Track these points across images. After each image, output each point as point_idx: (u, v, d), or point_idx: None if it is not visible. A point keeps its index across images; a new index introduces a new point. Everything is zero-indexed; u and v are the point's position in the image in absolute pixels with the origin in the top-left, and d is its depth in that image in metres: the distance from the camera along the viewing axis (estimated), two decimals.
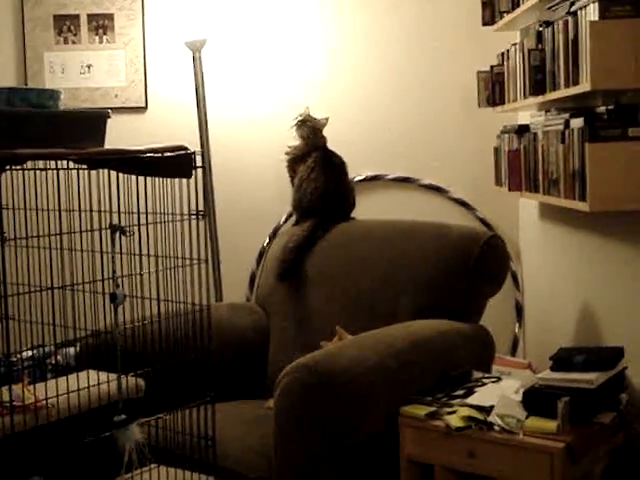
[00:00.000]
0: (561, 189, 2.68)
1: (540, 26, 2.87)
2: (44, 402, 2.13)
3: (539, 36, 2.85)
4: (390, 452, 2.52)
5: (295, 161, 3.47)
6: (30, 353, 2.93)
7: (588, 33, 2.35)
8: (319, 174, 3.34)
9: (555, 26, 2.66)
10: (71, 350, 2.98)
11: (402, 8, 3.86)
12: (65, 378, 2.27)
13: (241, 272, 3.93)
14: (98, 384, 2.20)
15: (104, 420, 2.18)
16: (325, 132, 3.54)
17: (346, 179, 3.42)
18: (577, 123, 2.57)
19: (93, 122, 2.25)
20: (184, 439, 2.29)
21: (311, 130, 3.46)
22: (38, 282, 2.09)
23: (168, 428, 2.30)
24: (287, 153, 3.51)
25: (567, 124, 2.67)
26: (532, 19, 3.10)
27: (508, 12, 3.23)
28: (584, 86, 2.42)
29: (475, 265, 2.93)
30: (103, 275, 2.16)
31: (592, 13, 2.39)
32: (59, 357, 3.06)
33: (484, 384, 2.61)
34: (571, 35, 2.51)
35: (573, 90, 2.51)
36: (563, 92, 2.61)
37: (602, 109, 2.56)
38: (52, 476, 2.12)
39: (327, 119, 3.49)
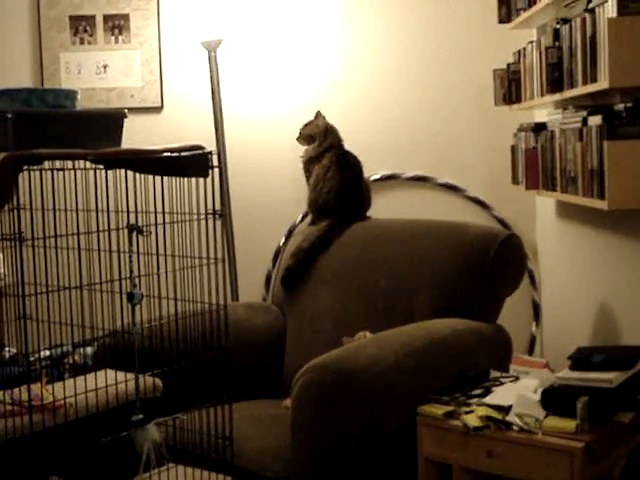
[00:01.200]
0: (579, 187, 2.66)
1: (557, 23, 2.85)
2: (62, 401, 2.14)
3: (556, 33, 2.83)
4: (408, 452, 2.51)
5: (310, 162, 3.47)
6: (48, 353, 2.94)
7: (606, 30, 2.34)
8: (335, 173, 3.34)
9: (573, 23, 2.65)
10: (88, 350, 2.99)
11: (417, 6, 3.85)
12: (83, 378, 2.28)
13: (257, 272, 3.93)
14: (116, 384, 2.20)
15: (122, 420, 2.18)
16: (340, 131, 3.53)
17: (362, 178, 3.41)
18: (595, 121, 2.55)
19: (110, 122, 2.26)
20: (201, 439, 2.29)
21: (320, 128, 3.47)
22: (56, 282, 2.09)
23: (185, 428, 2.31)
24: (302, 156, 3.51)
25: (585, 122, 2.66)
26: (549, 16, 3.08)
27: (525, 9, 3.21)
28: (602, 84, 2.40)
29: (492, 264, 2.92)
30: (120, 275, 2.16)
31: (610, 10, 2.37)
32: (76, 357, 3.07)
33: (502, 383, 2.59)
34: (589, 32, 2.49)
35: (591, 88, 2.50)
36: (581, 90, 2.59)
37: (620, 106, 2.54)
38: (70, 475, 2.12)
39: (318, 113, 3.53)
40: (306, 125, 3.53)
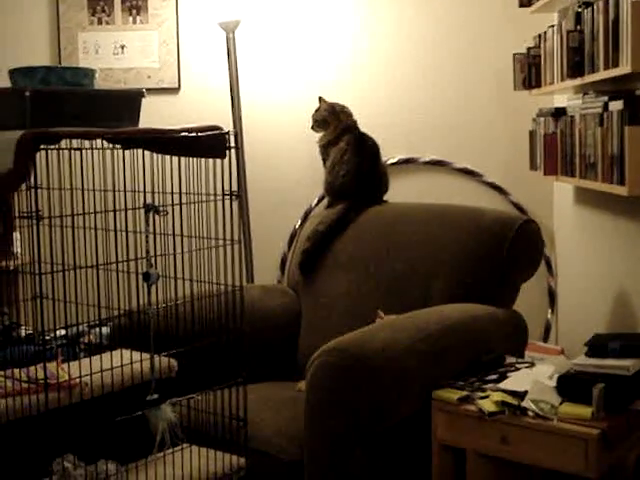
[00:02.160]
0: (598, 173, 2.64)
1: (579, 7, 2.82)
2: (77, 380, 2.14)
3: (578, 17, 2.80)
4: (422, 436, 2.51)
5: (327, 145, 3.46)
6: (63, 332, 2.94)
7: (630, 13, 2.31)
8: (352, 156, 3.32)
9: (595, 7, 2.62)
10: (104, 329, 3.00)
11: None
12: (98, 357, 2.28)
13: (272, 254, 3.93)
14: (131, 363, 2.20)
15: (136, 399, 2.19)
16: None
17: (379, 161, 3.40)
18: (616, 106, 2.53)
19: (128, 101, 2.25)
20: (216, 420, 2.29)
21: (331, 110, 3.45)
22: (72, 261, 2.09)
23: (200, 408, 2.31)
24: (318, 141, 3.50)
25: (606, 107, 2.63)
26: (570, 0, 3.05)
27: None
28: (624, 68, 2.38)
29: (509, 250, 2.90)
30: (136, 255, 2.16)
31: None
32: (92, 336, 3.07)
33: (517, 369, 2.58)
34: (611, 16, 2.46)
35: (613, 72, 2.47)
36: (602, 74, 2.56)
37: None
38: (84, 454, 2.13)
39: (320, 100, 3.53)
40: (315, 112, 3.52)
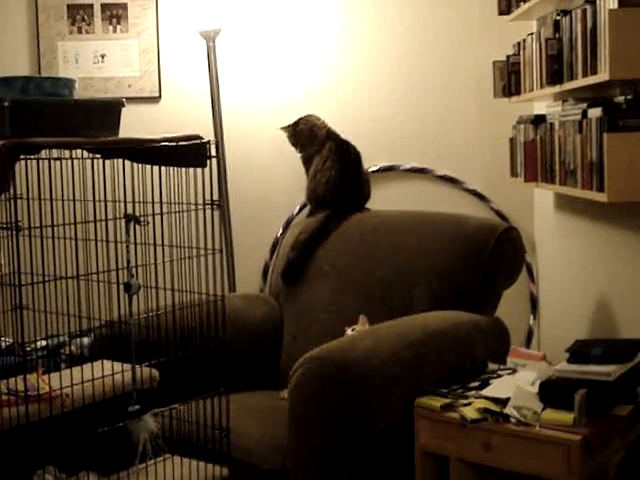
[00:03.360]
0: (578, 180, 2.65)
1: (558, 15, 2.84)
2: (58, 392, 2.13)
3: (556, 25, 2.82)
4: (405, 444, 2.51)
5: (308, 158, 3.45)
6: (44, 343, 2.93)
7: (607, 22, 2.32)
8: (334, 163, 3.32)
9: (573, 15, 2.63)
10: (85, 340, 2.98)
11: None
12: (79, 368, 2.27)
13: (254, 263, 3.92)
14: (112, 374, 2.19)
15: (118, 410, 2.18)
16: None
17: (361, 169, 3.39)
18: (595, 113, 2.54)
19: (107, 111, 2.25)
20: (198, 429, 2.28)
21: (307, 132, 3.45)
22: (52, 272, 2.08)
23: (182, 419, 2.30)
24: (301, 156, 3.49)
25: (585, 114, 2.65)
26: (549, 8, 3.07)
27: (525, 1, 3.20)
28: (602, 76, 2.39)
29: (491, 257, 2.91)
30: (117, 265, 2.15)
31: (611, 1, 2.35)
32: (73, 347, 3.06)
33: (500, 376, 2.59)
34: (589, 24, 2.48)
35: (591, 80, 2.48)
36: (581, 82, 2.58)
37: (620, 99, 2.53)
38: (66, 466, 2.12)
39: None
40: (289, 140, 3.50)
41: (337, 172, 3.30)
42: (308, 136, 3.44)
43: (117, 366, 2.24)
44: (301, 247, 3.26)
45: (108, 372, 2.19)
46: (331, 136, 3.41)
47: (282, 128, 3.49)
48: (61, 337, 3.00)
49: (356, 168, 3.36)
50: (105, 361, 2.32)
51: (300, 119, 3.47)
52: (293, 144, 3.48)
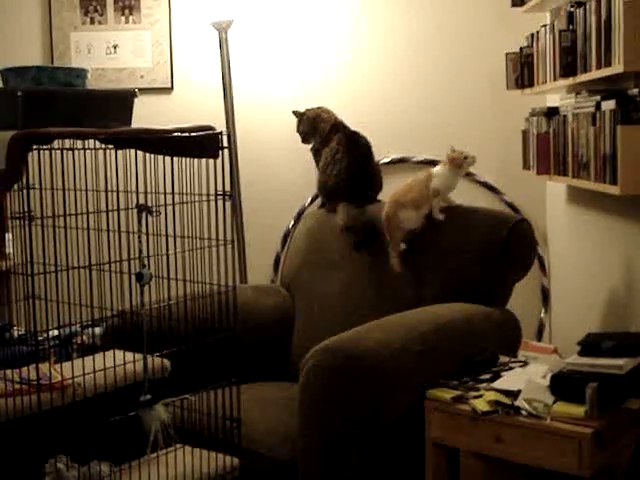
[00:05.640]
0: (591, 172, 2.64)
1: (572, 6, 2.82)
2: (70, 381, 2.14)
3: (570, 17, 2.80)
4: (415, 436, 2.51)
5: (318, 150, 3.44)
6: (56, 332, 2.94)
7: (622, 13, 2.31)
8: (344, 155, 3.31)
9: (587, 6, 2.62)
10: (97, 330, 2.99)
11: None
12: (91, 357, 2.28)
13: (266, 254, 3.93)
14: (124, 364, 2.20)
15: (130, 400, 2.18)
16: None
17: (371, 160, 3.38)
18: (609, 105, 2.53)
19: (120, 101, 2.25)
20: (209, 420, 2.29)
21: (311, 121, 3.44)
22: (64, 262, 2.09)
23: (193, 409, 2.31)
24: (310, 147, 3.48)
25: (598, 106, 2.63)
26: (563, 0, 3.05)
27: None
28: (616, 68, 2.38)
29: (502, 249, 2.90)
30: (129, 255, 2.16)
31: None
32: (85, 337, 3.07)
33: (511, 368, 2.59)
34: (604, 15, 2.46)
35: (605, 72, 2.47)
36: (595, 74, 2.56)
37: (634, 91, 2.51)
38: (77, 455, 2.12)
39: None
40: (298, 129, 3.50)
41: (347, 164, 3.29)
42: (310, 126, 3.44)
43: (129, 356, 2.24)
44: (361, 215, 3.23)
45: (120, 362, 2.19)
46: (340, 128, 3.40)
47: (293, 112, 3.50)
48: (73, 327, 3.02)
49: (366, 159, 3.35)
50: (117, 351, 2.32)
51: (308, 109, 3.46)
52: (297, 131, 3.48)
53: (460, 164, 3.05)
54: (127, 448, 2.20)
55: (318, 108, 3.47)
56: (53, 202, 2.10)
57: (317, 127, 3.42)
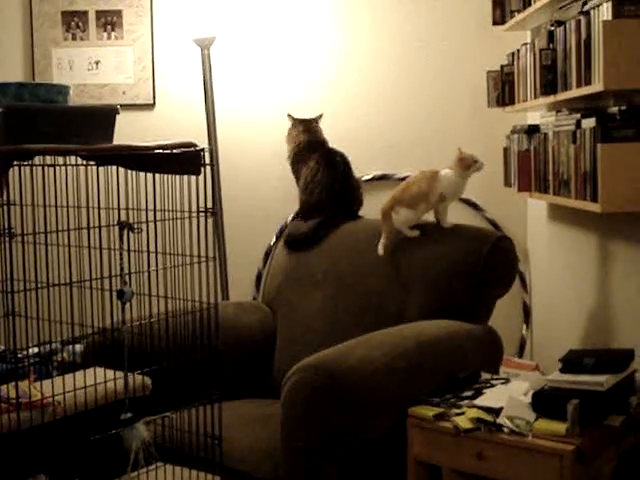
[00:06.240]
0: (572, 190, 2.66)
1: (552, 25, 2.85)
2: (50, 399, 2.12)
3: (551, 36, 2.83)
4: (398, 453, 2.50)
5: (295, 161, 3.46)
6: (36, 350, 2.92)
7: (601, 33, 2.33)
8: (323, 174, 3.32)
9: (567, 26, 2.64)
10: (77, 347, 2.97)
11: (411, 6, 3.84)
12: (72, 375, 2.26)
13: (247, 271, 3.92)
14: (105, 382, 2.19)
15: (110, 418, 2.17)
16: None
17: (351, 176, 3.39)
18: (589, 123, 2.55)
19: (102, 118, 2.24)
20: (190, 438, 2.27)
21: (292, 129, 3.50)
22: (45, 278, 2.08)
23: (174, 427, 2.29)
24: (288, 157, 3.50)
25: (579, 124, 2.66)
26: (543, 19, 3.08)
27: (519, 11, 3.21)
28: (596, 86, 2.40)
29: (484, 266, 2.91)
30: (110, 272, 2.15)
31: (605, 12, 2.37)
32: (65, 354, 3.05)
33: (493, 385, 2.59)
34: (584, 35, 2.49)
35: (585, 90, 2.49)
36: (575, 92, 2.59)
37: (614, 109, 2.54)
38: (58, 474, 2.11)
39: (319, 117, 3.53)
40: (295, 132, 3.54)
41: (327, 182, 3.30)
42: (290, 134, 3.49)
43: (109, 373, 2.23)
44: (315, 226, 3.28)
45: (100, 379, 2.18)
46: (318, 147, 3.41)
47: (289, 115, 3.54)
48: (53, 344, 2.99)
49: (346, 176, 3.36)
50: (97, 368, 2.31)
51: (302, 120, 3.50)
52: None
53: (469, 165, 3.00)
54: (108, 467, 2.19)
55: (306, 120, 3.51)
56: (34, 219, 2.09)
57: (292, 138, 3.47)
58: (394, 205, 3.02)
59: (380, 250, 3.02)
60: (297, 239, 3.33)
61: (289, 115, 3.54)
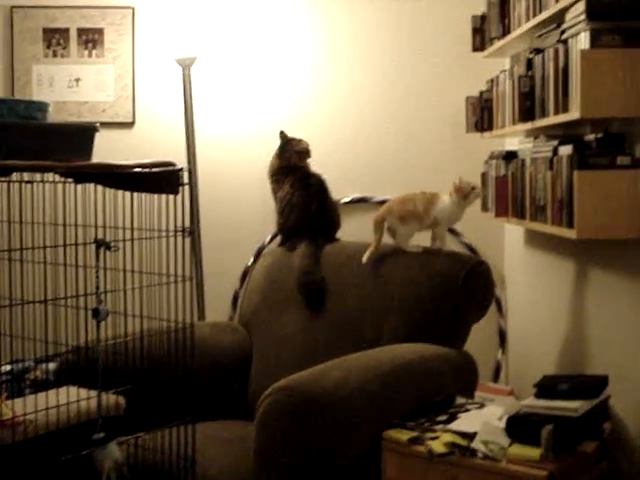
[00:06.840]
0: (548, 216, 2.68)
1: (531, 53, 2.88)
2: (22, 418, 2.10)
3: (529, 63, 2.86)
4: (372, 476, 2.49)
5: (277, 182, 3.46)
6: (9, 367, 2.89)
7: (579, 61, 2.36)
8: (298, 198, 3.33)
9: (546, 54, 2.67)
10: (51, 365, 2.95)
11: (391, 32, 3.87)
12: (44, 394, 2.24)
13: (224, 291, 3.91)
14: (78, 401, 2.17)
15: (83, 438, 2.15)
16: (312, 153, 3.53)
17: (327, 198, 3.39)
18: (566, 150, 2.57)
19: (81, 136, 2.24)
20: (163, 459, 2.26)
21: (279, 149, 3.49)
22: (20, 296, 2.06)
23: (148, 447, 2.27)
24: (270, 176, 3.51)
25: (555, 151, 2.68)
26: (522, 46, 3.11)
27: (498, 39, 3.24)
28: (573, 114, 2.43)
29: (460, 290, 2.92)
30: (86, 290, 2.13)
31: (583, 42, 2.39)
32: (38, 372, 3.02)
33: (467, 410, 2.59)
34: (561, 63, 2.52)
35: (562, 118, 2.52)
36: (552, 119, 2.61)
37: (591, 137, 2.57)
38: None
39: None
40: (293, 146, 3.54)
41: (303, 205, 3.30)
42: (276, 154, 3.49)
43: (83, 392, 2.21)
44: (315, 269, 3.22)
45: (73, 398, 2.17)
46: (295, 169, 3.41)
47: (281, 132, 3.53)
48: (26, 362, 2.97)
49: (322, 198, 3.36)
50: (71, 387, 2.29)
51: (293, 139, 3.50)
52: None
53: (466, 194, 3.01)
54: None
55: (295, 141, 3.50)
56: (9, 235, 2.08)
57: (276, 157, 3.47)
58: (386, 215, 3.04)
59: (364, 258, 3.03)
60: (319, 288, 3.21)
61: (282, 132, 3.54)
